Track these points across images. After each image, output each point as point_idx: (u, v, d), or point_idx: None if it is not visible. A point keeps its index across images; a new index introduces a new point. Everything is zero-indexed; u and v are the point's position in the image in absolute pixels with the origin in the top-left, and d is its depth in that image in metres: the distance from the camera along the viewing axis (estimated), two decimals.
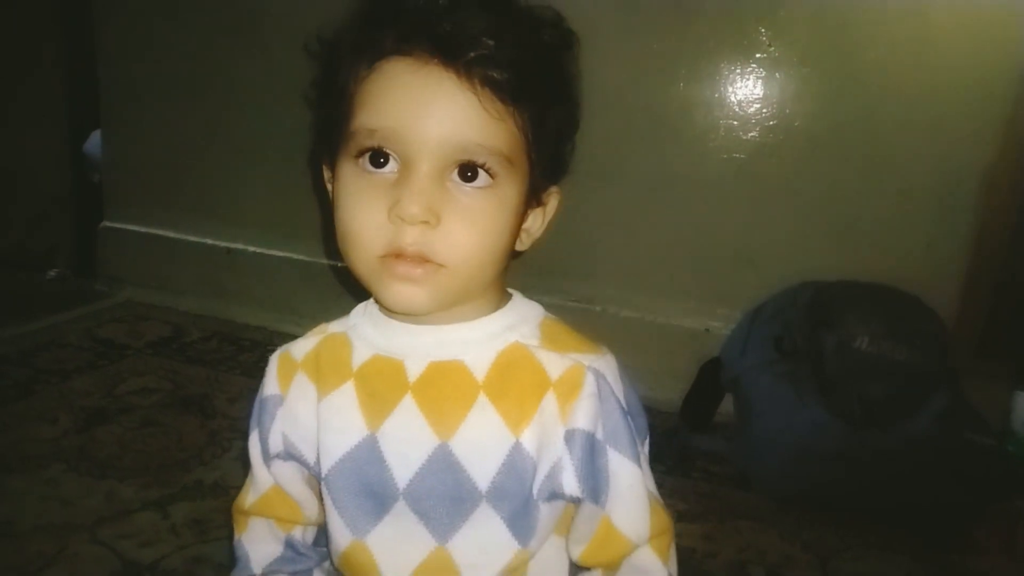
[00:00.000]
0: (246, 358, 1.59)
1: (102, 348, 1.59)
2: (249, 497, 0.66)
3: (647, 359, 1.39)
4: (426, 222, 0.52)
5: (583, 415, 0.56)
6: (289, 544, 0.66)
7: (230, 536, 0.99)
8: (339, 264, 1.71)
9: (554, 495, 0.57)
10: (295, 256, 1.77)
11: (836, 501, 1.17)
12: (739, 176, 1.44)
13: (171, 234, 1.88)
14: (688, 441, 1.32)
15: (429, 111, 0.52)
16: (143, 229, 1.91)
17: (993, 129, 1.31)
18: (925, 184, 1.36)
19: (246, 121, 1.76)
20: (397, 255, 0.53)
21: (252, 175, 1.78)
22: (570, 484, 0.56)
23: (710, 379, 1.39)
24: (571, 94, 0.59)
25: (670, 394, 1.40)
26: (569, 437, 0.56)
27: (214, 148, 1.80)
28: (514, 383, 0.57)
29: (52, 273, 2.01)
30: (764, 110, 1.41)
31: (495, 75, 0.52)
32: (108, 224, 1.95)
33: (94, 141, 2.04)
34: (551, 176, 0.60)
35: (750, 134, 1.42)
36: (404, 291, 0.54)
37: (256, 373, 1.47)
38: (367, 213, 0.53)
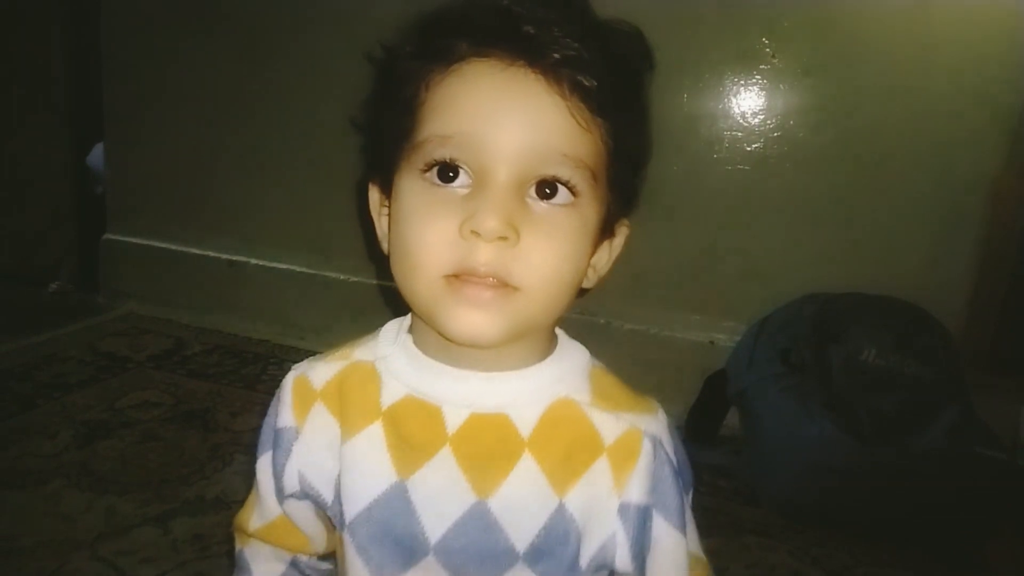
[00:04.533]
0: (248, 371, 1.58)
1: (103, 362, 1.58)
2: (253, 521, 0.62)
3: (651, 372, 1.38)
4: (504, 238, 0.47)
5: (638, 487, 0.53)
6: (294, 564, 0.63)
7: (230, 551, 0.98)
8: (350, 279, 1.71)
9: (602, 567, 0.54)
10: (297, 269, 1.76)
11: (845, 517, 1.16)
12: (743, 187, 1.43)
13: (173, 247, 1.87)
14: (694, 455, 1.30)
15: (512, 115, 0.48)
16: (145, 242, 1.91)
17: (998, 140, 1.30)
18: (930, 195, 1.35)
19: (249, 134, 1.76)
20: (467, 275, 0.48)
21: (254, 188, 1.78)
22: (622, 560, 0.53)
23: (715, 392, 1.38)
24: (648, 117, 0.56)
25: (675, 407, 1.39)
26: (624, 511, 0.53)
27: (217, 161, 1.81)
28: (561, 442, 0.53)
29: (54, 286, 2.00)
30: (768, 121, 1.41)
31: (584, 80, 0.48)
32: (110, 237, 1.95)
33: (97, 153, 2.04)
34: (624, 205, 0.56)
35: (754, 145, 1.42)
36: (472, 318, 0.48)
37: (258, 387, 1.48)
38: (435, 228, 0.48)
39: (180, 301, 1.86)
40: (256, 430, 1.35)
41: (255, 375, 1.56)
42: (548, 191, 0.49)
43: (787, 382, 1.22)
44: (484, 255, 0.47)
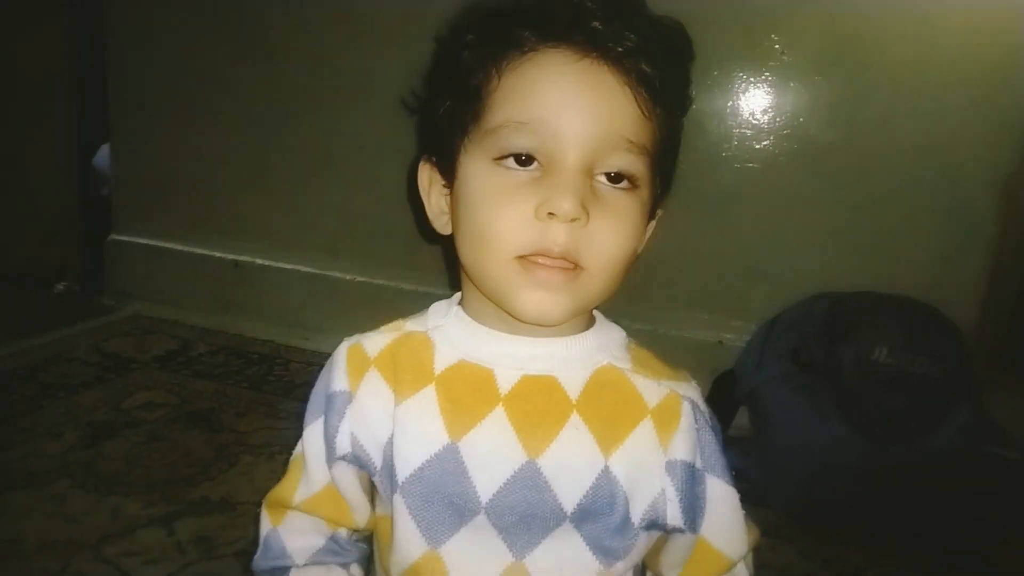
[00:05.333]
0: (253, 372, 1.57)
1: (109, 362, 1.58)
2: (299, 493, 0.62)
3: None
4: (577, 219, 0.50)
5: (683, 446, 0.56)
6: (333, 539, 0.63)
7: (236, 552, 0.98)
8: (355, 279, 1.70)
9: (654, 524, 0.56)
10: (303, 269, 1.76)
11: (855, 517, 1.15)
12: (752, 186, 1.42)
13: (179, 247, 1.87)
14: None
15: (586, 103, 0.51)
16: (151, 242, 1.91)
17: (1011, 137, 1.29)
18: (942, 193, 1.34)
19: (254, 134, 1.75)
20: (540, 255, 0.51)
21: (260, 188, 1.78)
22: (674, 515, 0.56)
23: (724, 392, 1.37)
24: (688, 108, 0.59)
25: None
26: (671, 467, 0.56)
27: (222, 162, 1.80)
28: (607, 405, 0.56)
29: (60, 287, 2.01)
30: (777, 119, 1.39)
31: (649, 72, 0.52)
32: (116, 237, 1.95)
33: (103, 155, 2.04)
34: (663, 192, 0.60)
35: (763, 143, 1.41)
36: (540, 298, 0.52)
37: (263, 387, 1.48)
38: (510, 211, 0.51)
39: (185, 302, 1.85)
40: (261, 431, 1.35)
41: (260, 376, 1.55)
42: (612, 175, 0.53)
43: (797, 381, 1.21)
44: (560, 236, 0.50)
